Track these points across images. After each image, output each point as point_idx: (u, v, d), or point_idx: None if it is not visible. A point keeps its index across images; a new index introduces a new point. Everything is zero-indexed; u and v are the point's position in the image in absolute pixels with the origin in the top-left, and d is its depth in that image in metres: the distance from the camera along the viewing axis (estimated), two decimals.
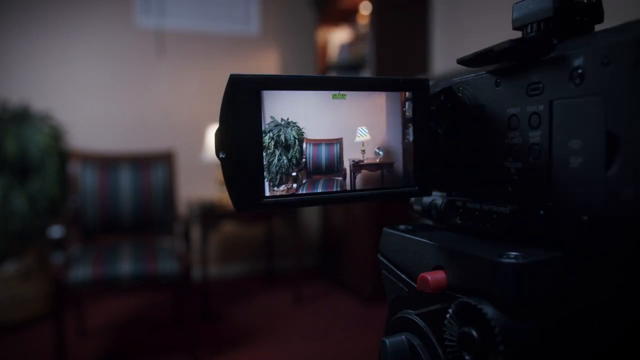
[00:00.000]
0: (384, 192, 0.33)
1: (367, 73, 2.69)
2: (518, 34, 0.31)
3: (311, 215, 3.33)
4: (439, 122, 0.36)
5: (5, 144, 2.29)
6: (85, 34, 2.86)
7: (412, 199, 0.41)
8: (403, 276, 0.36)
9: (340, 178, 0.32)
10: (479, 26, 2.19)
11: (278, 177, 0.30)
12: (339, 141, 0.32)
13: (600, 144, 0.24)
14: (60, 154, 2.43)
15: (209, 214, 2.45)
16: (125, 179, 2.24)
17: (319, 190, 0.32)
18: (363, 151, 0.32)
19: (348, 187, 0.32)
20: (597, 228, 0.25)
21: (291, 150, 0.30)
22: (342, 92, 0.31)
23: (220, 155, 0.28)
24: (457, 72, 0.35)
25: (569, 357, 0.27)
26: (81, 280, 1.74)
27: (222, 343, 2.10)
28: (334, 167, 0.32)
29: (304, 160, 0.31)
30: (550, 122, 0.27)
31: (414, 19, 2.57)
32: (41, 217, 2.33)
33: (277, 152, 0.30)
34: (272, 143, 0.30)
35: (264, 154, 0.29)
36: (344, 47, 3.06)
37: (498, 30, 1.76)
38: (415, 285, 0.32)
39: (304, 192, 0.31)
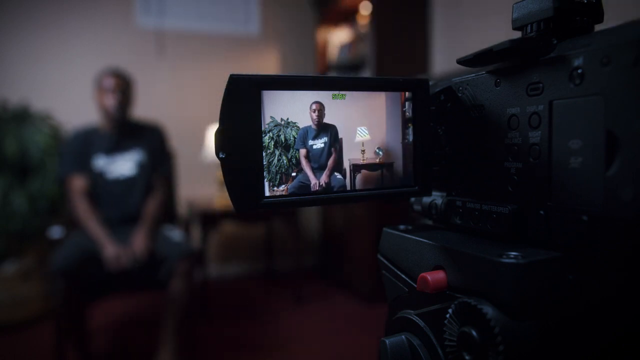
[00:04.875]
0: (383, 192, 0.33)
1: (367, 73, 2.69)
2: (518, 34, 0.31)
3: (311, 215, 3.32)
4: (439, 122, 0.36)
5: (5, 144, 2.29)
6: (85, 34, 2.86)
7: (412, 199, 0.41)
8: (403, 276, 0.36)
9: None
10: (479, 26, 2.19)
11: (278, 177, 0.30)
12: (340, 139, 0.32)
13: (600, 144, 0.24)
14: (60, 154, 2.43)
15: (209, 214, 2.45)
16: None
17: None
18: (363, 151, 0.32)
19: (348, 187, 0.32)
20: (597, 228, 0.25)
21: (291, 150, 0.30)
22: (342, 92, 0.31)
23: (220, 155, 0.28)
24: (457, 72, 0.35)
25: (569, 357, 0.27)
26: None
27: (222, 343, 2.10)
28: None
29: None
30: (550, 122, 0.27)
31: (414, 19, 2.56)
32: (41, 217, 2.33)
33: (277, 152, 0.30)
34: (272, 143, 0.30)
35: (264, 154, 0.29)
36: (344, 47, 3.06)
37: (498, 30, 1.76)
38: (415, 285, 0.32)
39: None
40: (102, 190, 1.92)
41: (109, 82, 1.92)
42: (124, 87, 1.95)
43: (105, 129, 1.97)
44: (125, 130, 1.99)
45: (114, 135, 1.96)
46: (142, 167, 1.98)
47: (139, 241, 1.77)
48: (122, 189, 1.94)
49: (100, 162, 1.92)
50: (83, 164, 1.90)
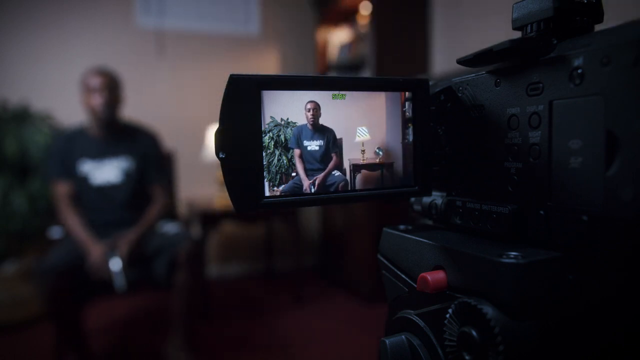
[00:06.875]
0: (384, 192, 0.33)
1: (367, 73, 2.69)
2: (518, 34, 0.31)
3: (311, 215, 3.32)
4: (439, 122, 0.36)
5: (5, 144, 2.29)
6: (85, 34, 2.86)
7: (412, 199, 0.41)
8: (403, 276, 0.36)
9: None
10: (479, 26, 2.19)
11: (278, 177, 0.30)
12: (339, 141, 0.32)
13: (600, 144, 0.24)
14: None
15: (209, 214, 2.45)
16: None
17: None
18: (363, 151, 0.32)
19: (348, 187, 0.32)
20: (597, 228, 0.25)
21: (291, 150, 0.30)
22: (342, 92, 0.31)
23: (220, 155, 0.28)
24: (457, 72, 0.35)
25: (569, 357, 0.27)
26: None
27: (222, 343, 2.10)
28: None
29: None
30: (550, 122, 0.27)
31: (414, 19, 2.56)
32: (41, 217, 2.33)
33: (277, 152, 0.30)
34: (272, 143, 0.30)
35: (264, 154, 0.29)
36: (344, 47, 3.06)
37: (498, 30, 1.76)
38: (415, 285, 0.32)
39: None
40: (86, 196, 1.85)
41: (95, 81, 1.81)
42: (111, 85, 1.84)
43: (93, 131, 1.88)
44: (114, 133, 1.90)
45: (103, 140, 1.88)
46: (128, 175, 1.89)
47: (124, 246, 1.71)
48: (106, 195, 1.86)
49: (86, 167, 1.84)
50: (66, 169, 1.83)
